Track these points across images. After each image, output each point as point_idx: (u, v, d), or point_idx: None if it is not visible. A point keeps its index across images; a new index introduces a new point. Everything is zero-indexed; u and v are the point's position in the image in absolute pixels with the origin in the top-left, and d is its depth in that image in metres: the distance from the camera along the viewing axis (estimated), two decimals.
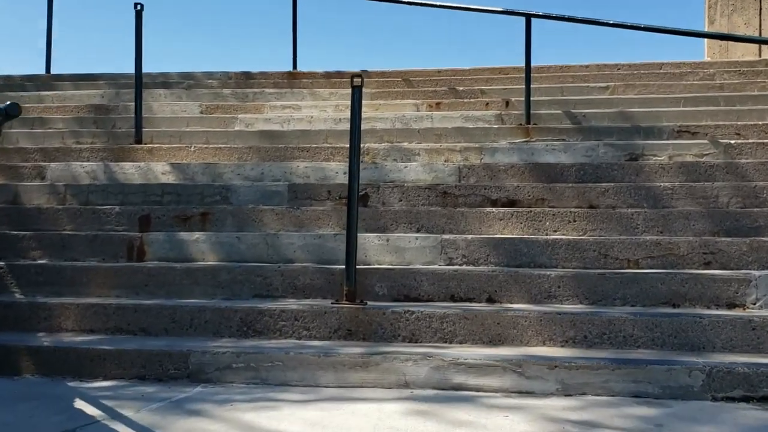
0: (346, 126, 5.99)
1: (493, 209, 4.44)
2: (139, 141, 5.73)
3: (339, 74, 7.55)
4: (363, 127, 6.22)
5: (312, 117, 6.22)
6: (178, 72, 7.76)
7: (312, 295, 3.74)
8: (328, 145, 5.55)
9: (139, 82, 5.81)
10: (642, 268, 3.83)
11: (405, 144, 5.65)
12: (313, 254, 4.10)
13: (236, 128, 6.22)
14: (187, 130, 6.03)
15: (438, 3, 7.02)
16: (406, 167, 5.07)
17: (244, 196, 4.82)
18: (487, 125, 5.98)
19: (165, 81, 7.52)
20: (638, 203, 4.49)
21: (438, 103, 6.47)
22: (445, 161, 5.30)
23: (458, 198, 4.69)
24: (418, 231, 4.34)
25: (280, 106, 6.59)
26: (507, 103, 6.39)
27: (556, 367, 2.85)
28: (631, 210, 4.30)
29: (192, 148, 5.55)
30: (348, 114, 6.09)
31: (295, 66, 7.90)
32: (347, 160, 5.43)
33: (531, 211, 4.34)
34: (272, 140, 5.82)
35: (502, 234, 4.27)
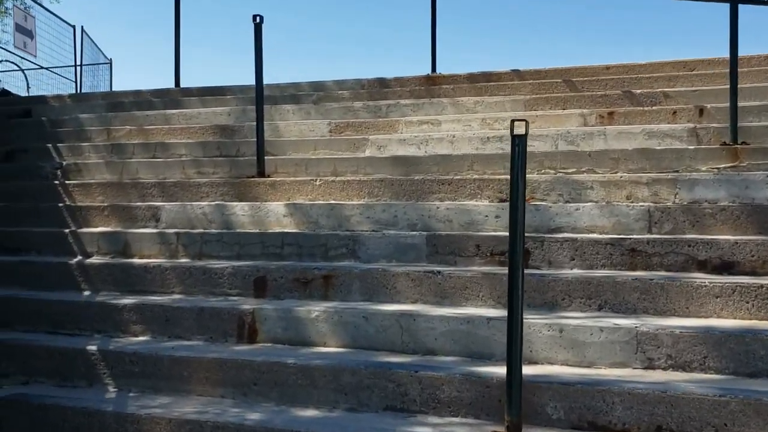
0: (496, 148, 4.98)
1: (704, 278, 3.26)
2: (261, 173, 5.07)
3: (486, 77, 6.50)
4: (506, 150, 5.19)
5: (454, 136, 5.24)
6: (309, 82, 7.07)
7: (460, 412, 2.82)
8: (475, 177, 4.56)
9: (260, 106, 5.13)
10: None
11: (573, 173, 4.54)
12: (460, 344, 3.16)
13: (367, 153, 5.39)
14: (313, 157, 5.28)
15: None
16: (577, 209, 3.98)
17: (374, 249, 3.98)
18: (678, 144, 4.71)
19: (294, 94, 6.85)
20: None
21: (611, 113, 5.25)
22: (628, 199, 4.14)
23: (651, 257, 3.55)
24: (600, 309, 3.27)
25: (417, 122, 5.68)
26: (701, 112, 5.05)
27: None
28: None
29: (318, 182, 4.79)
30: (499, 132, 5.09)
31: (434, 68, 6.94)
32: (498, 195, 4.46)
33: (761, 286, 3.12)
34: (407, 168, 4.93)
35: (721, 320, 3.09)
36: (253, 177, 5.07)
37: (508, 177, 4.57)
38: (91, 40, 14.60)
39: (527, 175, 4.42)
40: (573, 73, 6.21)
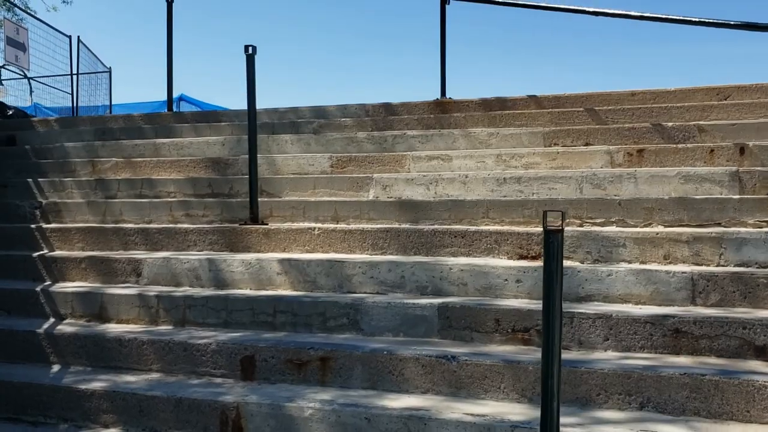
0: (513, 191, 4.50)
1: (766, 371, 2.78)
2: (254, 218, 4.60)
3: (500, 103, 6.01)
4: (533, 189, 4.70)
5: (467, 176, 4.76)
6: (309, 107, 6.60)
7: None
8: (492, 228, 4.08)
9: (253, 152, 4.65)
10: None
11: (601, 225, 4.05)
12: None
13: (371, 194, 4.92)
14: (312, 199, 4.81)
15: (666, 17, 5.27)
16: (609, 274, 3.49)
17: (379, 321, 3.51)
18: (719, 191, 4.22)
19: (294, 121, 6.38)
20: None
21: (640, 151, 4.76)
22: (666, 260, 3.65)
23: (699, 340, 3.06)
24: (641, 408, 2.79)
25: (426, 158, 5.19)
26: (741, 150, 4.54)
27: None
28: None
29: (316, 231, 4.32)
30: (517, 171, 4.35)
31: (443, 92, 6.45)
32: (518, 251, 3.97)
33: None
34: (415, 214, 4.45)
35: None
36: (245, 223, 4.61)
37: (528, 229, 4.11)
38: (89, 49, 14.17)
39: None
40: (595, 100, 5.71)
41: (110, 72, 15.92)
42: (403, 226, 4.34)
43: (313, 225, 4.46)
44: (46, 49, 12.68)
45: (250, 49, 4.61)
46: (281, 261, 4.04)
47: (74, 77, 13.39)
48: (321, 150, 5.73)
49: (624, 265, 3.59)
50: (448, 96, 6.43)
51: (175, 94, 17.96)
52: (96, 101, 15.39)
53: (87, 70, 14.07)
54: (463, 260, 3.87)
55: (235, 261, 4.14)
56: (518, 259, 3.91)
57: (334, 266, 3.93)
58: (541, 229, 2.50)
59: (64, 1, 15.48)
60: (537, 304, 3.34)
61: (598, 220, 4.12)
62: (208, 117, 6.75)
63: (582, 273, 3.53)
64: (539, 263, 3.74)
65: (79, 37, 13.39)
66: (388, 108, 6.32)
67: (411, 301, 3.55)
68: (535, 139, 5.27)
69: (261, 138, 5.86)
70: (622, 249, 3.73)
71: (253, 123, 4.67)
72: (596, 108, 5.53)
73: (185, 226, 4.71)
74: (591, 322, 3.20)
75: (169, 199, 5.20)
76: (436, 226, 4.21)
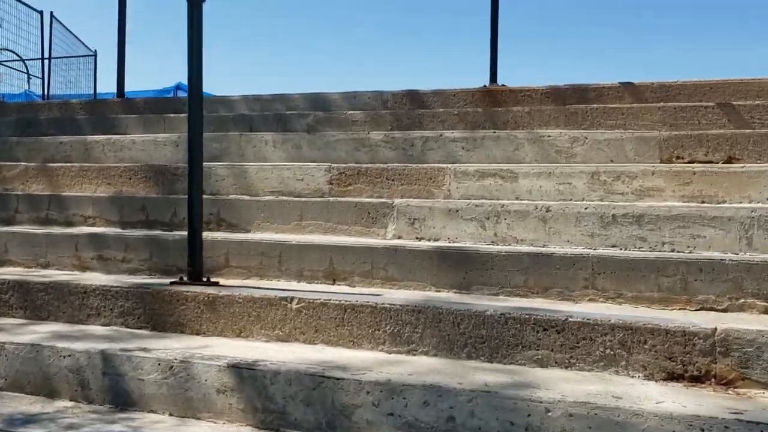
0: (631, 237, 2.66)
1: None
2: (196, 273, 2.77)
3: (579, 94, 4.15)
4: (665, 235, 2.82)
5: (548, 208, 2.90)
6: (304, 94, 4.77)
7: None
8: (611, 319, 2.22)
9: (195, 144, 2.79)
10: None
11: None
12: None
13: (389, 232, 3.08)
14: (296, 240, 2.96)
15: None
16: None
17: None
18: None
19: (280, 113, 4.54)
20: None
21: None
22: None
23: None
24: None
25: (475, 174, 3.33)
26: None
27: None
28: None
29: (294, 304, 2.49)
30: (633, 203, 2.67)
31: (494, 77, 4.57)
32: (664, 365, 2.10)
33: None
34: (466, 273, 2.62)
35: None
36: (181, 280, 2.78)
37: (675, 323, 2.19)
38: (67, 29, 12.44)
39: (703, 313, 2.14)
40: (729, 90, 3.83)
41: (95, 55, 14.17)
42: (446, 294, 2.52)
43: (290, 290, 2.63)
44: (12, 27, 10.95)
45: None
46: (229, 368, 2.21)
47: (47, 61, 11.64)
48: (316, 156, 3.89)
49: None
50: (500, 82, 4.56)
51: (172, 82, 16.23)
52: (78, 88, 13.66)
53: (63, 51, 12.31)
54: (566, 387, 2.01)
55: (148, 361, 2.31)
56: (665, 380, 2.07)
57: (322, 385, 2.09)
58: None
59: None
60: None
61: None
62: (165, 106, 4.94)
63: None
64: (712, 393, 1.91)
65: (51, 13, 11.63)
66: (414, 98, 4.48)
67: None
68: (645, 148, 3.40)
69: (230, 137, 4.04)
70: None
71: (196, 109, 2.81)
72: (734, 103, 3.65)
73: (88, 281, 2.89)
74: None
75: (81, 230, 3.39)
76: (504, 303, 2.38)
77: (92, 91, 14.05)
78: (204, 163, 3.67)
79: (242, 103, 4.78)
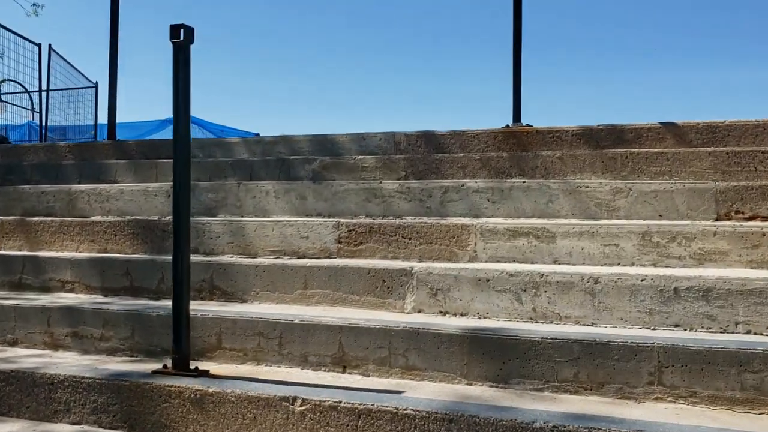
0: (697, 316, 2.23)
1: None
2: (182, 359, 2.34)
3: (614, 135, 3.74)
4: (739, 314, 2.32)
5: (598, 277, 2.46)
6: (309, 135, 4.37)
7: None
8: (671, 407, 1.78)
9: (182, 200, 2.38)
10: None
11: None
12: None
13: (407, 306, 2.65)
14: (298, 318, 2.52)
15: None
16: None
17: None
18: None
19: (284, 158, 4.15)
20: None
21: None
22: None
23: None
24: None
25: (505, 232, 2.90)
26: None
27: None
28: None
29: (297, 405, 2.06)
30: (696, 271, 2.35)
31: (517, 115, 4.16)
32: None
33: None
34: (503, 363, 2.18)
35: None
36: (165, 371, 2.35)
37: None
38: (66, 61, 12.14)
39: None
40: None
41: (96, 87, 13.88)
42: (479, 390, 2.09)
43: (292, 384, 2.20)
44: (11, 61, 10.67)
45: (182, 33, 2.38)
46: None
47: (45, 93, 11.34)
48: (322, 209, 3.48)
49: None
50: (524, 122, 4.15)
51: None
52: (78, 120, 13.36)
53: (62, 83, 12.03)
54: None
55: None
56: None
57: None
58: None
59: (34, 4, 13.41)
60: None
61: None
62: (158, 150, 4.54)
63: None
64: None
65: (50, 45, 11.35)
66: (430, 139, 4.07)
67: None
68: (699, 201, 2.97)
69: (228, 186, 3.65)
70: None
71: (183, 168, 2.40)
72: None
73: (55, 369, 2.46)
74: None
75: (55, 302, 2.96)
76: (552, 405, 1.94)
77: (93, 122, 13.77)
78: (197, 219, 3.28)
79: (242, 146, 4.39)
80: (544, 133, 3.85)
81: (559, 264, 2.76)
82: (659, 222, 2.79)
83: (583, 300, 2.43)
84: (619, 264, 2.71)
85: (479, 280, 2.57)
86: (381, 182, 3.49)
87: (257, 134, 19.30)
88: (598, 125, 3.79)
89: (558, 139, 3.81)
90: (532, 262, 2.80)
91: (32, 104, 12.40)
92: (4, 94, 10.59)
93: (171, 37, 2.39)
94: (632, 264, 2.69)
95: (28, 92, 11.86)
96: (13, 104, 10.75)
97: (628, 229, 2.73)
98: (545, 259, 2.80)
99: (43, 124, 11.10)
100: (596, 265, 2.71)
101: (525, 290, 2.50)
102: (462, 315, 2.56)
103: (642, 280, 2.39)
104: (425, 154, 3.96)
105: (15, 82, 11.73)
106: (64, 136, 12.95)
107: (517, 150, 3.80)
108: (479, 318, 2.54)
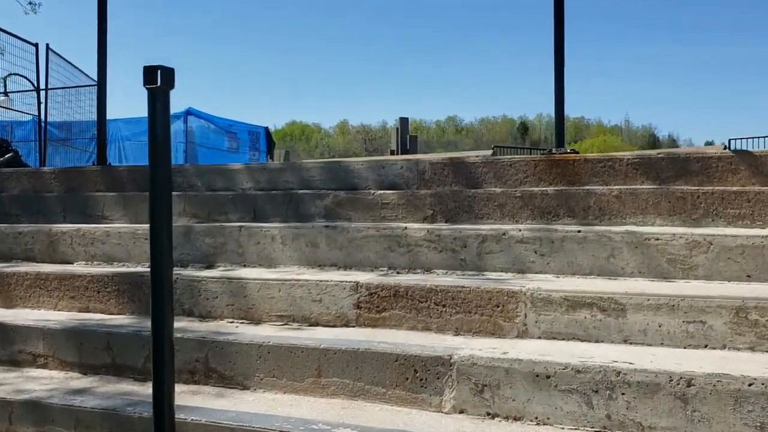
0: None
1: None
2: None
3: (677, 165, 3.20)
4: None
5: (692, 378, 1.94)
6: (320, 162, 3.88)
7: None
8: None
9: (163, 270, 1.88)
10: None
11: None
12: None
13: (446, 405, 2.14)
14: (310, 425, 2.03)
15: None
16: None
17: None
18: None
19: (291, 191, 3.64)
20: None
21: None
22: None
23: None
24: None
25: (562, 302, 2.37)
26: None
27: None
28: None
29: None
30: None
31: (560, 141, 3.62)
32: None
33: None
34: None
35: None
36: None
37: None
38: (66, 60, 11.65)
39: None
40: None
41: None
42: None
43: None
44: (8, 64, 10.23)
45: (159, 76, 1.86)
46: None
47: (43, 93, 10.90)
48: (337, 259, 2.98)
49: None
50: (568, 148, 3.60)
51: (181, 108, 15.52)
52: (81, 116, 12.92)
53: (60, 82, 11.57)
54: None
55: None
56: None
57: None
58: None
59: (30, 2, 12.90)
60: None
61: None
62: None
63: None
64: None
65: (48, 45, 10.88)
66: (459, 169, 3.54)
67: None
68: None
69: (228, 230, 3.16)
70: None
71: (163, 221, 1.90)
72: None
73: None
74: None
75: (17, 396, 2.48)
76: None
77: (95, 119, 13.32)
78: (193, 272, 2.81)
79: (245, 174, 3.88)
80: (594, 161, 3.31)
81: (631, 344, 2.24)
82: (756, 295, 2.26)
83: (672, 407, 1.92)
84: (706, 347, 2.19)
85: (537, 375, 2.05)
86: (405, 227, 2.97)
87: (266, 128, 18.79)
88: (658, 153, 3.25)
89: (611, 169, 3.27)
90: (597, 341, 2.29)
91: (39, 99, 11.99)
92: (9, 92, 10.23)
93: (145, 83, 1.87)
94: (724, 347, 2.17)
95: (36, 89, 11.45)
96: (16, 111, 10.31)
97: (718, 303, 2.21)
98: (613, 337, 2.28)
99: (42, 122, 10.70)
100: (677, 347, 2.20)
101: (597, 391, 1.99)
102: (516, 420, 2.06)
103: (750, 385, 1.87)
104: (453, 186, 3.43)
105: (21, 76, 11.31)
106: (69, 132, 12.56)
107: (563, 183, 3.27)
108: (538, 424, 2.03)
